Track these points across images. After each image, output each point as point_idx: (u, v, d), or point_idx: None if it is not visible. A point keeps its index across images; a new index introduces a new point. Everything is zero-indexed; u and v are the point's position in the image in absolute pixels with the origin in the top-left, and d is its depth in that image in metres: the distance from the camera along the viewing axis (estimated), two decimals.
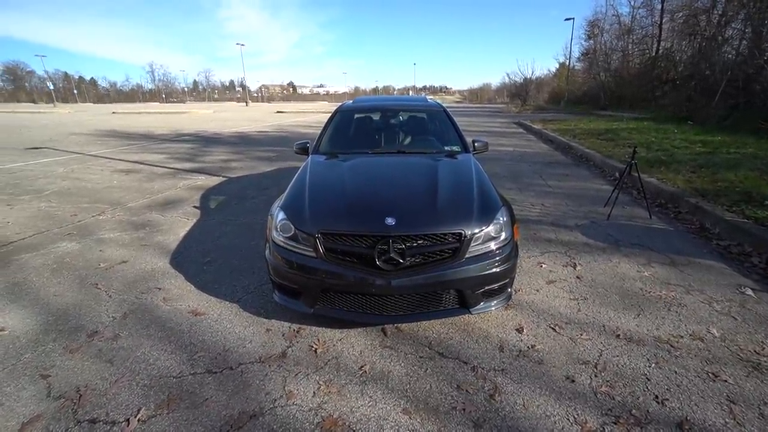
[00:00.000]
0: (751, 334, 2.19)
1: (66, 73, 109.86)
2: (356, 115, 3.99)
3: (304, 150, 3.49)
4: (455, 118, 3.91)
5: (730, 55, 17.27)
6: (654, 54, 25.11)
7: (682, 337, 2.18)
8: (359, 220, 2.14)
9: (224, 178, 6.73)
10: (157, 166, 7.98)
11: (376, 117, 4.11)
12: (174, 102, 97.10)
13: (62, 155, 9.36)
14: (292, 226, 2.20)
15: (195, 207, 4.98)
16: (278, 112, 30.61)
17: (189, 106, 57.58)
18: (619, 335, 2.20)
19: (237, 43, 49.21)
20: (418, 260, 2.03)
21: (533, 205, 4.81)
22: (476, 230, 2.10)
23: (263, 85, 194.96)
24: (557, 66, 41.29)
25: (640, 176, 4.30)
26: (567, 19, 32.34)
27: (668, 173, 5.75)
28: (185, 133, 15.01)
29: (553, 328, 2.28)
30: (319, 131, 3.75)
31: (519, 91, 35.15)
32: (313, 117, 24.74)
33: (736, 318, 2.35)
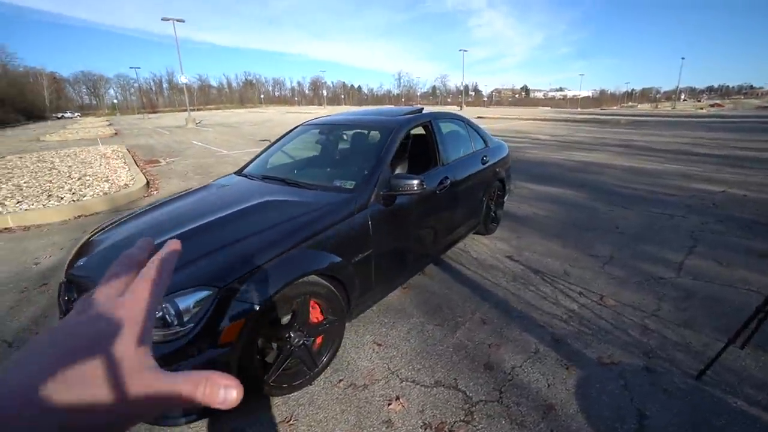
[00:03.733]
0: None
1: (344, 83, 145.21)
2: (308, 132, 3.39)
3: None
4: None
5: None
6: None
7: None
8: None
9: None
10: None
11: (322, 136, 3.37)
12: (411, 104, 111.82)
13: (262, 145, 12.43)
14: None
15: None
16: (478, 117, 30.10)
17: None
18: None
19: (460, 50, 50.51)
20: None
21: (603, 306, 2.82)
22: None
23: (495, 89, 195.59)
24: None
25: None
26: None
27: None
28: None
29: None
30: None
31: None
32: (504, 125, 23.00)
33: None
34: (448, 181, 3.00)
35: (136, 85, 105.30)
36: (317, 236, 1.98)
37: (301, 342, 1.93)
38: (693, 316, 2.53)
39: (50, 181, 6.82)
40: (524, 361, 2.13)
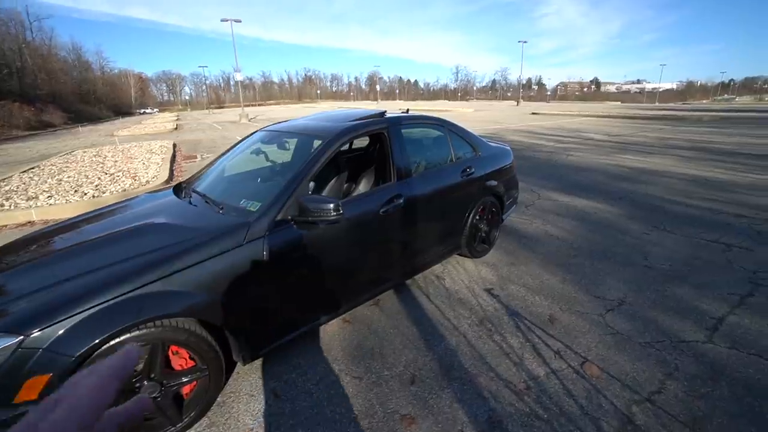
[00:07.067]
0: None
1: (400, 77, 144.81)
2: (261, 139, 2.98)
3: None
4: None
5: None
6: None
7: None
8: None
9: None
10: None
11: (266, 144, 2.95)
12: (467, 100, 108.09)
13: None
14: None
15: None
16: (533, 113, 27.94)
17: (460, 104, 61.91)
18: None
19: (519, 41, 46.50)
20: None
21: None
22: None
23: (561, 83, 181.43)
24: None
25: None
26: None
27: None
28: None
29: None
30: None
31: None
32: (556, 122, 21.06)
33: None
34: (401, 200, 2.51)
35: (207, 82, 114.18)
36: (182, 271, 1.65)
37: (155, 393, 1.63)
38: (710, 412, 1.80)
39: (87, 176, 7.34)
40: None
